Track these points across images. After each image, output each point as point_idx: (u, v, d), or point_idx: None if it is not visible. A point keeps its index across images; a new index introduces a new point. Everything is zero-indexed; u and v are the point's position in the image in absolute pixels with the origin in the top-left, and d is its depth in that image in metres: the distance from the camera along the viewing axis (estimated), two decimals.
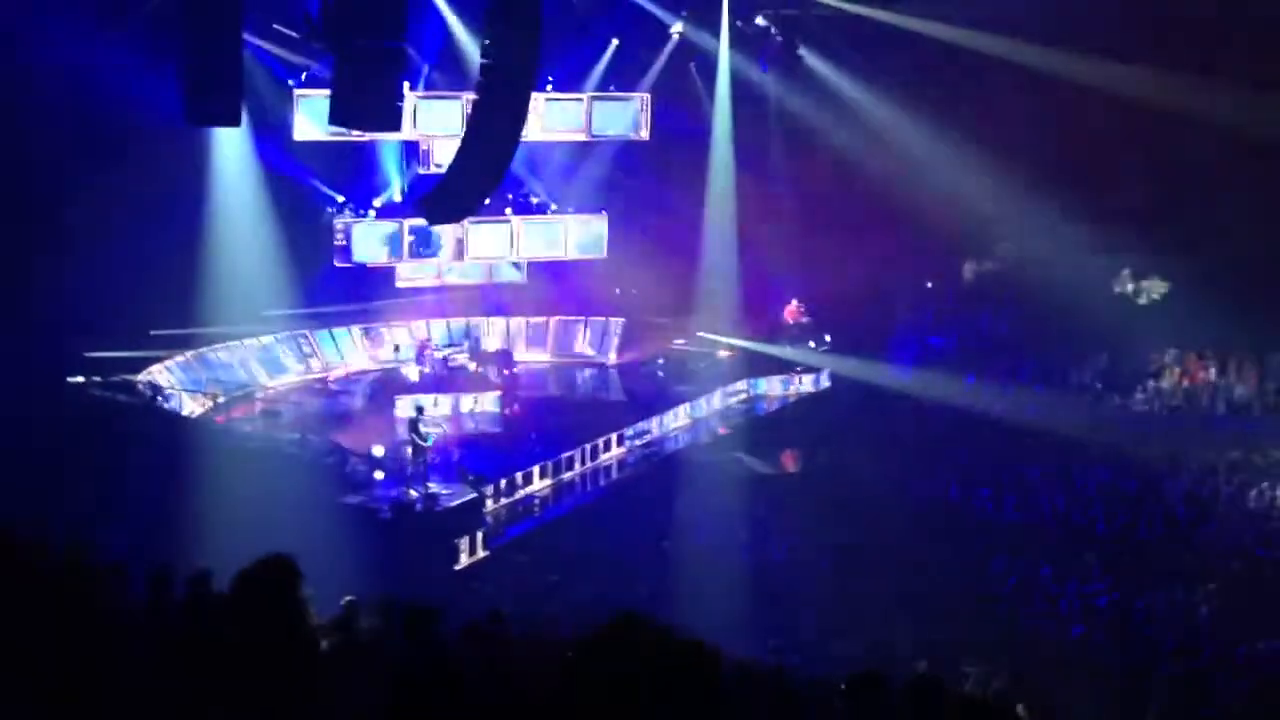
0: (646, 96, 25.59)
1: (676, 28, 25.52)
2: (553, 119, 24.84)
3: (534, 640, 8.42)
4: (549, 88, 24.30)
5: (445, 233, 24.57)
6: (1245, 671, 13.30)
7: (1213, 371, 23.40)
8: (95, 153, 18.79)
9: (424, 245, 24.73)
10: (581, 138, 25.55)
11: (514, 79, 18.48)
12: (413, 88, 22.61)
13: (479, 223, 24.81)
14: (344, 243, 23.88)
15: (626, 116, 25.62)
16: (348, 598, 7.61)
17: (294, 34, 21.06)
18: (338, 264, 23.84)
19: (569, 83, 25.00)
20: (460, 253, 25.19)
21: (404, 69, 18.42)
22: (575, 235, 26.09)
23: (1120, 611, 15.31)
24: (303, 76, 22.30)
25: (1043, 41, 22.82)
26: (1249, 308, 21.33)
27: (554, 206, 26.07)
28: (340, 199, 24.15)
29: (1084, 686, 12.91)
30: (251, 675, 3.84)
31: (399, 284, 25.06)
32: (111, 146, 18.90)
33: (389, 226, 24.34)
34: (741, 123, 26.17)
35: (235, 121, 18.87)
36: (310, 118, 22.22)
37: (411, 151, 24.43)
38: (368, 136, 23.13)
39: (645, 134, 25.63)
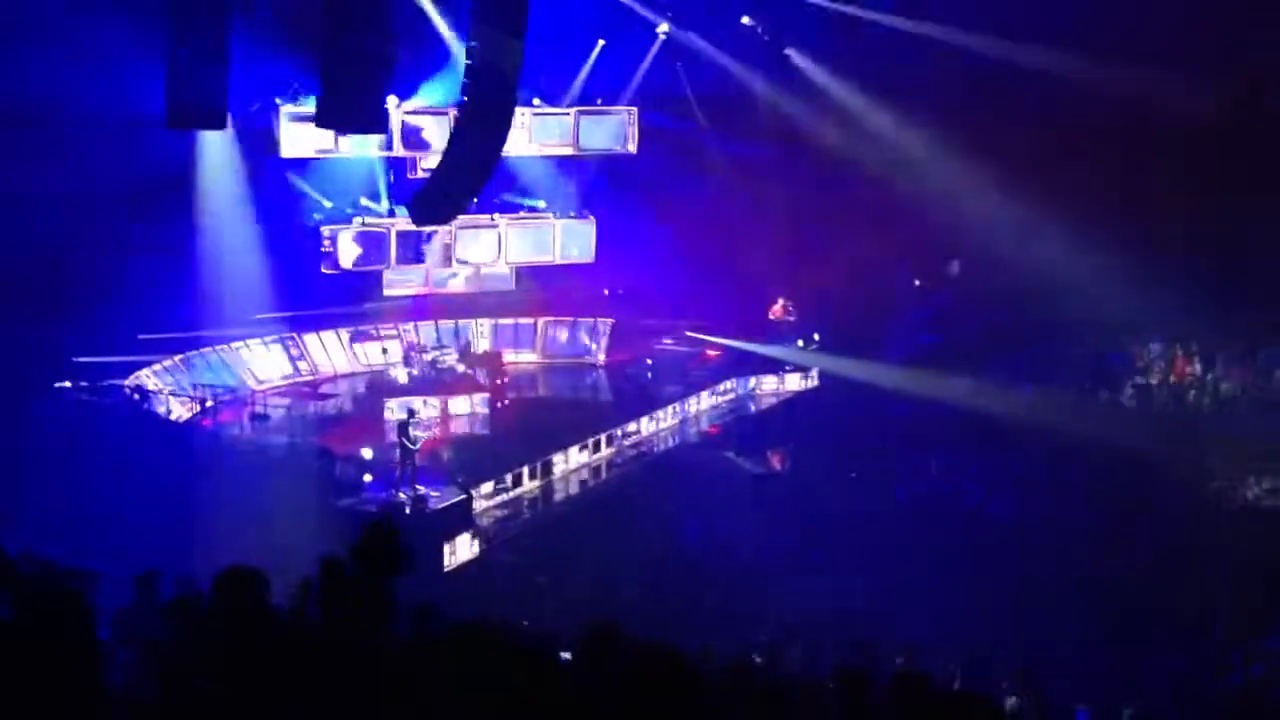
0: (633, 110, 25.46)
1: (663, 27, 25.46)
2: (539, 133, 24.75)
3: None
4: (536, 101, 24.30)
5: (432, 239, 24.58)
6: (1239, 668, 13.32)
7: (1198, 366, 23.47)
8: (79, 154, 18.68)
9: (411, 252, 24.65)
10: (568, 152, 25.43)
11: (500, 80, 18.52)
12: (401, 102, 22.72)
13: (466, 227, 24.83)
14: (330, 250, 23.83)
15: (613, 130, 25.46)
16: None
17: (281, 37, 21.07)
18: (325, 270, 23.79)
19: (555, 86, 24.92)
20: (448, 258, 25.14)
21: (390, 71, 18.42)
22: (563, 239, 26.07)
23: (1113, 607, 15.35)
24: (296, 101, 22.30)
25: (1036, 42, 22.80)
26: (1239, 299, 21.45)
27: (542, 203, 26.01)
28: (328, 204, 24.08)
29: (1077, 680, 12.94)
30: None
31: (387, 292, 24.99)
32: (96, 147, 18.80)
33: (375, 233, 24.29)
34: (729, 122, 26.18)
35: (221, 124, 18.87)
36: (298, 134, 22.26)
37: (399, 165, 24.38)
38: (354, 151, 23.20)
39: (632, 147, 25.42)
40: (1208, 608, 15.42)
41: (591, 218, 26.07)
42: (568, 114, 25.06)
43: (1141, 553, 17.37)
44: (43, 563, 6.53)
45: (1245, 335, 23.02)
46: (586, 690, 2.86)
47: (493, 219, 25.31)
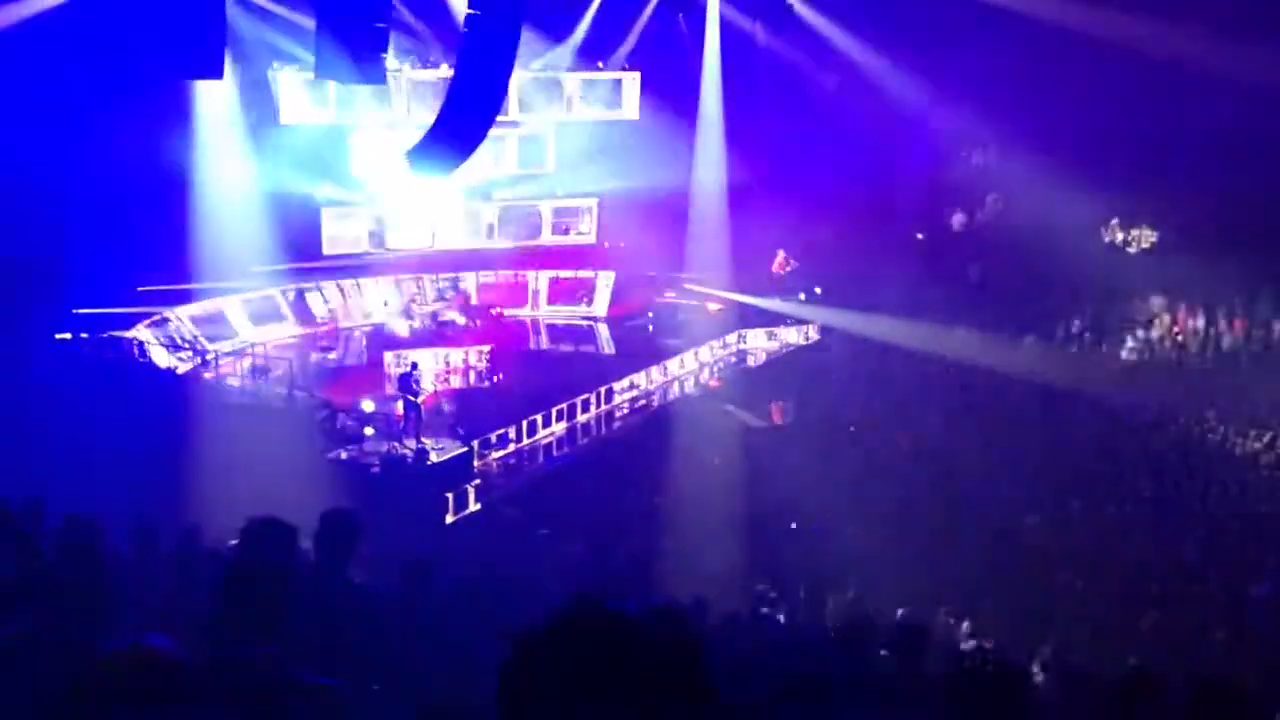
0: (636, 75, 25.13)
1: None
2: (536, 98, 24.51)
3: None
4: (534, 64, 24.00)
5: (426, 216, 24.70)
6: (1232, 615, 13.43)
7: (1201, 321, 23.42)
8: (81, 108, 18.55)
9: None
10: (565, 118, 25.17)
11: (501, 30, 18.28)
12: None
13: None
14: (336, 234, 23.97)
15: (614, 95, 25.14)
16: None
17: None
18: (327, 251, 23.82)
19: (553, 36, 24.60)
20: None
21: (388, 20, 18.24)
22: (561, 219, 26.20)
23: (1107, 559, 15.42)
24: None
25: None
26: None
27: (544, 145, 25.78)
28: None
29: (1068, 629, 13.03)
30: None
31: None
32: (97, 102, 18.66)
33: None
34: (731, 74, 25.95)
35: (218, 74, 18.68)
36: (296, 99, 22.11)
37: None
38: (351, 117, 23.12)
39: (633, 113, 25.17)
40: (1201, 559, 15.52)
41: (594, 197, 25.96)
42: (565, 77, 24.77)
43: (1137, 504, 17.44)
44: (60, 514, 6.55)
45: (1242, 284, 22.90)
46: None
47: (491, 197, 25.28)
